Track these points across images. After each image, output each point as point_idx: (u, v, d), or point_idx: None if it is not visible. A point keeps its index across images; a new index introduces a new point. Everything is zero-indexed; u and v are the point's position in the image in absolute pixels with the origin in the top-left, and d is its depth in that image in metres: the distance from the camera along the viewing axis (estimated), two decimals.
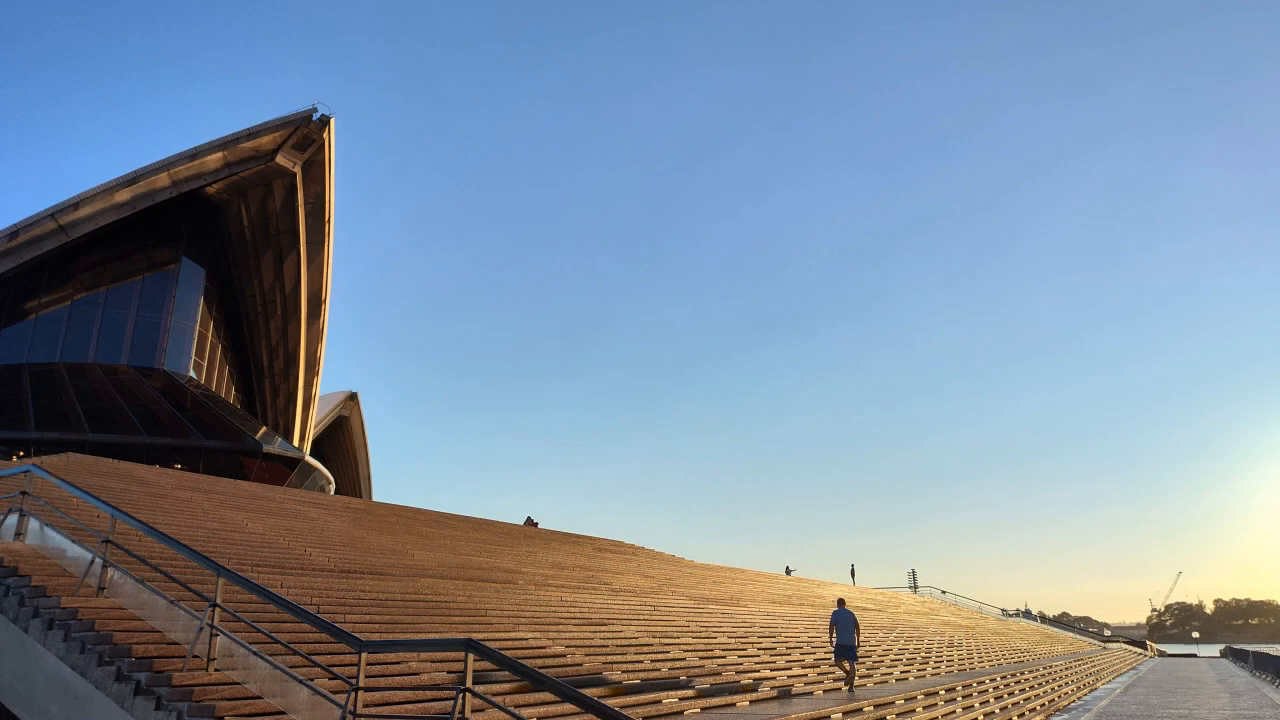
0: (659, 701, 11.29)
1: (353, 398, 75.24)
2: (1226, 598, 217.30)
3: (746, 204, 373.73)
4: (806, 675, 16.09)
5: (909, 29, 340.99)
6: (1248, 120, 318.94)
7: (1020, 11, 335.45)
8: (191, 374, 50.07)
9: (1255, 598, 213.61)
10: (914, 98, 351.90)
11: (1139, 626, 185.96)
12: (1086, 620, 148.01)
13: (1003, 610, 66.44)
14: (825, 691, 15.19)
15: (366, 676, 7.50)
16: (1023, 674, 25.04)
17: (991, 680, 21.44)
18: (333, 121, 47.91)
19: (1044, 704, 22.22)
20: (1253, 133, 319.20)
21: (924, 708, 15.83)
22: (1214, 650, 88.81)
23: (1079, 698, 26.31)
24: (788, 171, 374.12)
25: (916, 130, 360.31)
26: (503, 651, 7.26)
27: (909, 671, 20.13)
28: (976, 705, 18.21)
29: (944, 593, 62.42)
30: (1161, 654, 77.08)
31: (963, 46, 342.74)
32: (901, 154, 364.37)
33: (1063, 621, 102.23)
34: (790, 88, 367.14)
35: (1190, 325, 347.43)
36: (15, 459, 28.12)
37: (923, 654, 24.23)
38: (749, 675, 14.50)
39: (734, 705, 12.41)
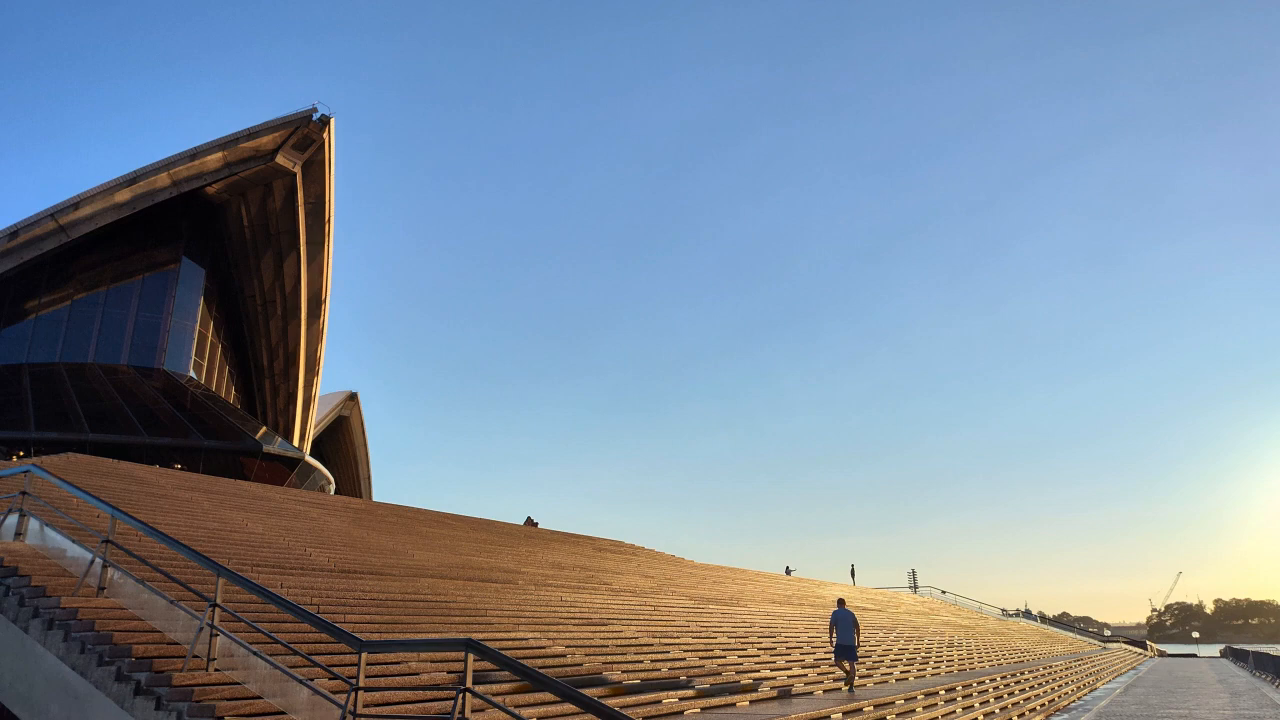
0: (659, 701, 11.28)
1: (353, 398, 75.23)
2: (1226, 598, 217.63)
3: (746, 204, 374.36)
4: (806, 675, 16.09)
5: (909, 29, 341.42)
6: (1248, 120, 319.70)
7: (1020, 11, 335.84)
8: (191, 374, 50.07)
9: (1255, 598, 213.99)
10: (914, 98, 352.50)
11: (1139, 626, 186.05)
12: (1086, 620, 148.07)
13: (1003, 610, 66.42)
14: (825, 691, 15.18)
15: (366, 676, 7.50)
16: (1023, 674, 25.03)
17: (991, 680, 21.43)
18: (333, 121, 47.94)
19: (1044, 704, 22.21)
20: (1253, 133, 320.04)
21: (924, 708, 15.82)
22: (1214, 650, 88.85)
23: (1079, 698, 26.30)
24: (788, 171, 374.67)
25: (916, 130, 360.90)
26: (503, 651, 7.27)
27: (909, 671, 20.13)
28: (976, 705, 18.20)
29: (944, 593, 62.39)
30: (1161, 654, 77.06)
31: (963, 46, 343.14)
32: (901, 154, 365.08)
33: (1063, 621, 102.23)
34: (790, 88, 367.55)
35: (1190, 325, 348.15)
36: (15, 459, 28.12)
37: (923, 654, 24.22)
38: (749, 675, 14.50)
39: (734, 705, 12.40)
